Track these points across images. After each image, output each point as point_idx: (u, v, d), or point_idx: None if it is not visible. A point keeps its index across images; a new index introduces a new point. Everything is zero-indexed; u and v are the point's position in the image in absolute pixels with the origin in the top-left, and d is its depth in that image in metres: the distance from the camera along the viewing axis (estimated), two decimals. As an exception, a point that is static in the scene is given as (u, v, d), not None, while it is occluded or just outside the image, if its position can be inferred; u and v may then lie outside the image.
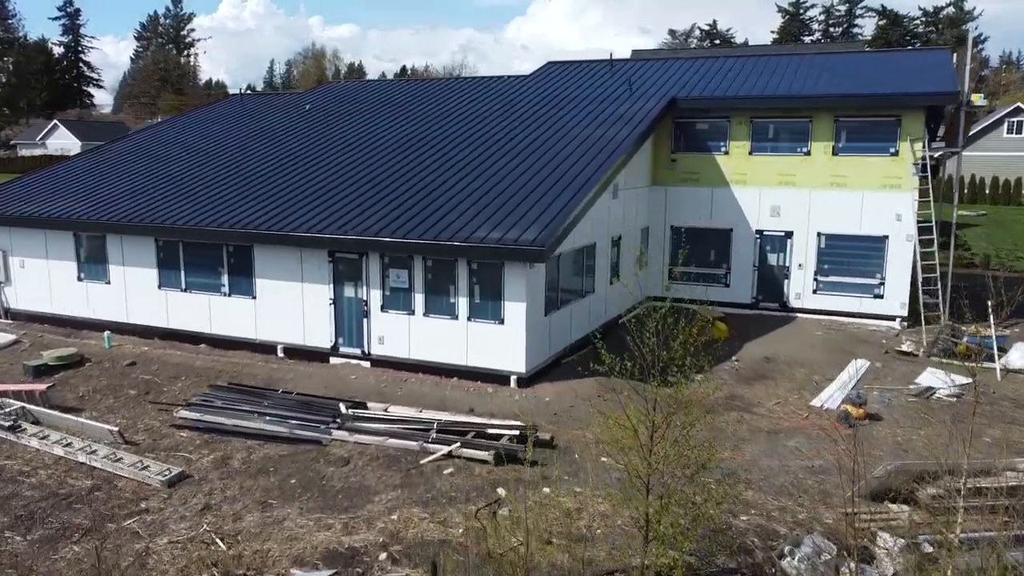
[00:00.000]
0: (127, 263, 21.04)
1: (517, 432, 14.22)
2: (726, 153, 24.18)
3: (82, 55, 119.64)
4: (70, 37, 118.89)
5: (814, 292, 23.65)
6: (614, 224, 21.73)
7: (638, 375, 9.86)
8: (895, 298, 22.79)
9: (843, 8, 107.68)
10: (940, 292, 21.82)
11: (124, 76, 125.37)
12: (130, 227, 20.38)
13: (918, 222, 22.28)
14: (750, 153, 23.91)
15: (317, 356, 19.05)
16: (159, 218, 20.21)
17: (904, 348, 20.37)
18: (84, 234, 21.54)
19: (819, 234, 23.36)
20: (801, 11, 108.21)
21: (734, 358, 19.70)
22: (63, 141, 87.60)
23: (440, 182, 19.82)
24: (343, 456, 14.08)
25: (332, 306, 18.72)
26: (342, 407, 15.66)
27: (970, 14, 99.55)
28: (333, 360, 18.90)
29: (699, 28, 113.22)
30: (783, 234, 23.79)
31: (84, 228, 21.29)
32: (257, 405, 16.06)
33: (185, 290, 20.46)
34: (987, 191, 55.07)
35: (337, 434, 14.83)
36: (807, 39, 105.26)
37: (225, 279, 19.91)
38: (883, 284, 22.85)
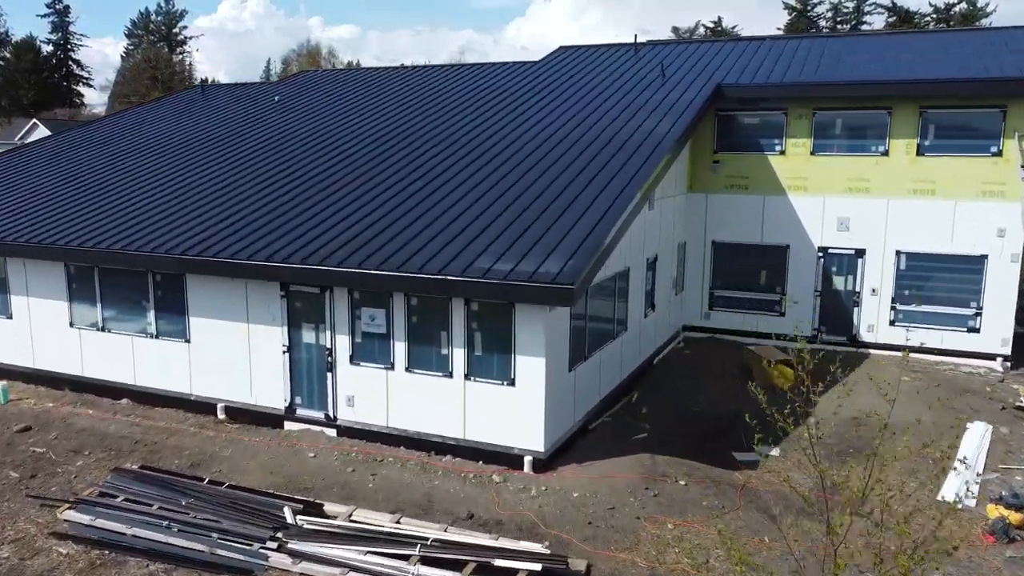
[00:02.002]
0: (31, 293, 16.19)
1: (539, 567, 9.41)
2: (782, 153, 19.37)
3: (71, 53, 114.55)
4: (59, 35, 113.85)
5: (891, 324, 18.84)
6: (650, 242, 16.93)
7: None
8: (995, 332, 17.99)
9: (851, 4, 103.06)
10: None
11: (116, 75, 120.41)
12: (33, 249, 15.51)
13: (1028, 239, 17.58)
14: (812, 153, 19.10)
15: (268, 419, 14.23)
16: (70, 239, 15.36)
17: (1026, 403, 15.62)
18: (-18, 255, 16.71)
19: (898, 253, 18.57)
20: (808, 8, 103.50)
21: (812, 419, 14.85)
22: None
23: (429, 192, 14.99)
24: (281, 603, 9.30)
25: (286, 355, 13.92)
26: (287, 512, 10.84)
27: (983, 10, 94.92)
28: (288, 425, 14.09)
29: (703, 26, 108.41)
30: (852, 253, 19.00)
31: (-20, 248, 16.45)
32: (173, 503, 11.27)
33: (103, 329, 15.63)
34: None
35: (276, 559, 10.02)
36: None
37: (151, 316, 15.08)
38: (980, 315, 18.06)
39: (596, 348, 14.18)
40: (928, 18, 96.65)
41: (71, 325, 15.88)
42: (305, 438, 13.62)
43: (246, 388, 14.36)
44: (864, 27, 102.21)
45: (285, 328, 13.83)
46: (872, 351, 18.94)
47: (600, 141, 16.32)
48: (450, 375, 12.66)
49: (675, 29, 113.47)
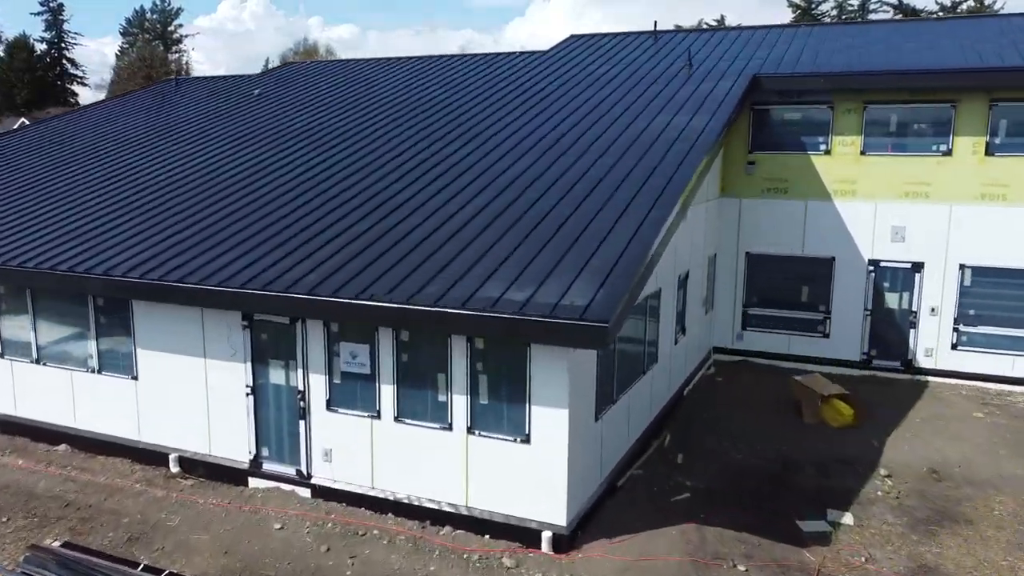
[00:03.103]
0: (-44, 318, 13.64)
1: None
2: (827, 152, 16.80)
3: (65, 52, 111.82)
4: (53, 33, 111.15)
5: (953, 348, 16.28)
6: (681, 256, 14.36)
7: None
8: (1076, 359, 15.49)
9: (856, 2, 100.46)
10: None
11: (112, 74, 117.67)
12: (-44, 265, 12.94)
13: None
14: (862, 152, 16.53)
15: (229, 475, 11.65)
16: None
17: None
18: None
19: (962, 267, 16.01)
20: (813, 5, 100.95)
21: (881, 471, 12.30)
22: (36, 141, 79.76)
23: (422, 201, 12.41)
24: None
25: (251, 397, 11.36)
26: (239, 618, 8.28)
27: (990, 8, 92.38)
28: (253, 483, 11.50)
29: (706, 23, 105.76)
30: (909, 266, 16.44)
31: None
32: (96, 599, 8.71)
33: (38, 361, 13.05)
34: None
35: None
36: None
37: (93, 348, 12.50)
38: (1058, 339, 15.55)
39: (625, 388, 11.61)
40: (934, 16, 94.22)
41: (1, 356, 13.31)
42: (272, 500, 11.03)
43: (203, 436, 11.79)
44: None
45: (248, 365, 11.25)
46: (931, 379, 16.39)
47: (625, 139, 13.75)
48: (449, 427, 10.10)
49: (678, 27, 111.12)
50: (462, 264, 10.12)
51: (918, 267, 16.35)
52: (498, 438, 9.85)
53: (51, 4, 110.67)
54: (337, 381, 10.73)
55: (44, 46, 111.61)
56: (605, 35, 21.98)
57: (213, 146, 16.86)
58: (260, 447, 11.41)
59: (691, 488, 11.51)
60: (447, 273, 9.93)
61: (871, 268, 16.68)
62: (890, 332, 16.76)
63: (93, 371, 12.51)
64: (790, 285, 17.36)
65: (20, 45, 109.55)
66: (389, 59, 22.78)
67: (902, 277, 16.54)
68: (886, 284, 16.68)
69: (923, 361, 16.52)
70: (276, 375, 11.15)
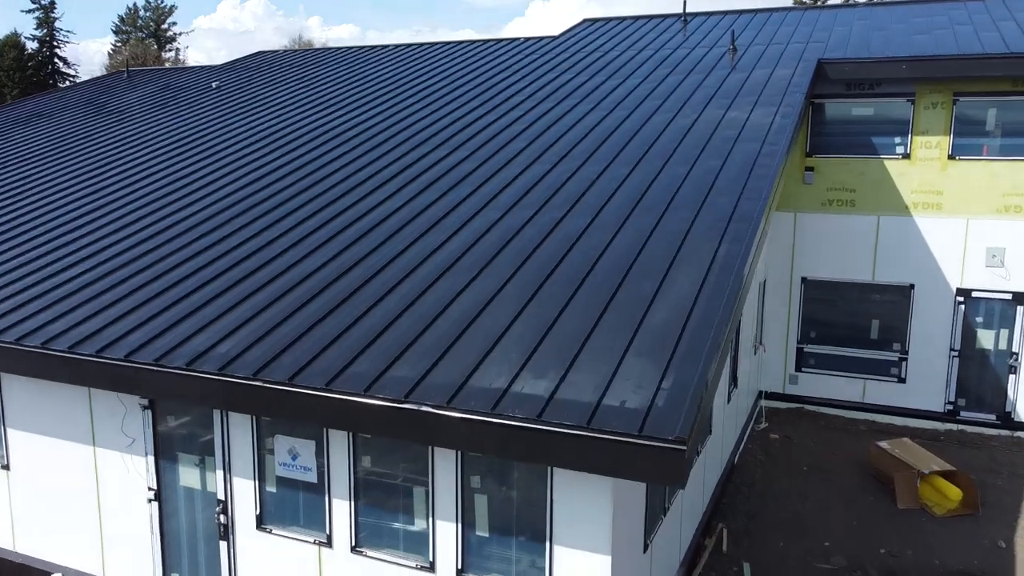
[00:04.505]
0: None
1: None
2: (905, 157, 13.44)
3: (57, 50, 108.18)
4: (44, 31, 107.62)
5: (1065, 399, 12.96)
6: (735, 291, 10.96)
7: None
8: None
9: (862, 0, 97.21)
10: None
11: (105, 72, 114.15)
12: None
13: None
14: (951, 156, 13.17)
15: (128, 608, 8.29)
16: None
17: None
18: None
19: (1079, 299, 12.67)
20: (818, 1, 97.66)
21: (1024, 592, 8.92)
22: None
23: (396, 226, 9.00)
24: None
25: (154, 503, 7.97)
26: None
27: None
28: (160, 622, 8.14)
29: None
30: (1009, 297, 13.08)
31: None
32: None
33: None
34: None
35: None
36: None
37: (-48, 424, 9.13)
38: None
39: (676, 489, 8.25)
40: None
41: None
42: (182, 654, 7.66)
43: (94, 550, 8.41)
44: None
45: (151, 460, 7.87)
46: (1036, 437, 13.07)
47: (667, 140, 10.37)
48: (431, 567, 6.72)
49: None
50: (448, 329, 6.73)
51: (1020, 299, 12.99)
52: (503, 588, 6.48)
53: (42, 1, 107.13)
54: (272, 489, 7.35)
55: (35, 44, 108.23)
56: (624, 19, 18.57)
57: (136, 153, 13.45)
58: (169, 574, 8.03)
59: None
60: (425, 345, 6.54)
61: (960, 299, 13.31)
62: (983, 378, 13.40)
63: (-46, 455, 9.13)
64: (856, 318, 13.99)
65: (11, 43, 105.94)
66: (372, 47, 19.38)
67: (999, 311, 13.17)
68: (979, 319, 13.32)
69: (1025, 414, 13.19)
70: (189, 475, 7.76)
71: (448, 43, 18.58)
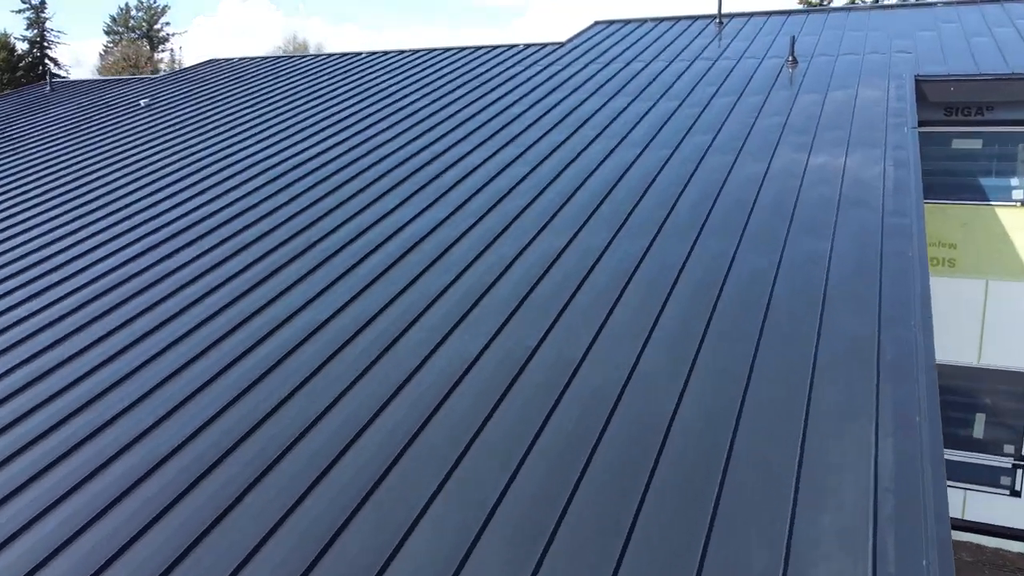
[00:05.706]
0: None
1: None
2: (1023, 204, 10.14)
3: (48, 51, 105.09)
4: (35, 31, 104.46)
5: None
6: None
7: None
8: None
9: (867, 1, 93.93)
10: None
11: (96, 74, 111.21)
12: None
13: None
14: (1088, 205, 9.87)
15: None
16: None
17: None
18: None
19: None
20: (823, 1, 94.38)
21: None
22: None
23: (322, 315, 5.68)
24: None
25: None
26: None
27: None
28: None
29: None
30: None
31: None
32: None
33: None
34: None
35: None
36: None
37: None
38: None
39: None
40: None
41: None
42: None
43: None
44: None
45: None
46: None
47: (729, 207, 7.04)
48: None
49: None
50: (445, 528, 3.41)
51: None
52: None
53: (32, 1, 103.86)
54: None
55: (26, 45, 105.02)
56: (644, 20, 15.23)
57: (33, 180, 10.10)
58: None
59: None
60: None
61: (1098, 392, 10.01)
62: None
63: None
64: (957, 412, 10.71)
65: (0, 44, 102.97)
66: (351, 55, 16.05)
67: None
68: (1123, 418, 10.01)
69: None
70: None
71: (433, 50, 15.24)
